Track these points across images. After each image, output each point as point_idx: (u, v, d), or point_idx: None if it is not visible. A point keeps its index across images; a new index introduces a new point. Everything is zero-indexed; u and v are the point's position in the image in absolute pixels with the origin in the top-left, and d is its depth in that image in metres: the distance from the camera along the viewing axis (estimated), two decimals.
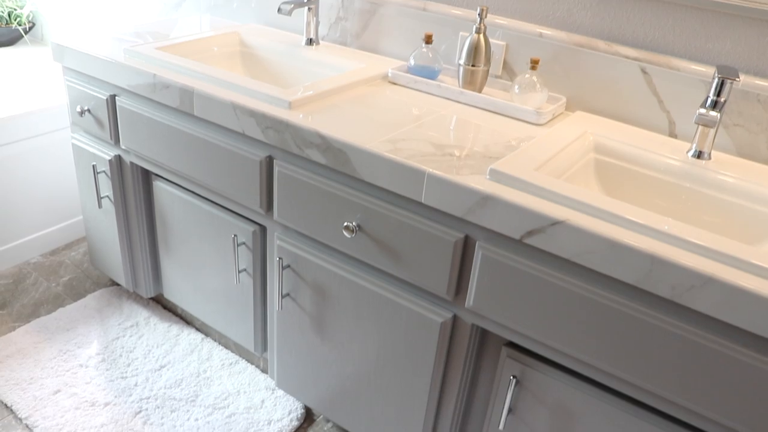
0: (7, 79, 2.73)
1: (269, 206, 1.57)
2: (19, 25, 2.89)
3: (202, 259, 1.84)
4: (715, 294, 0.99)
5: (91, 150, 1.97)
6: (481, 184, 1.19)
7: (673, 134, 1.51)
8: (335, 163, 1.35)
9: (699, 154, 1.38)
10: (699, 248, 1.04)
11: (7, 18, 2.88)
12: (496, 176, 1.21)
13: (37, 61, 2.80)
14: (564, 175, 1.33)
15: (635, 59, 1.50)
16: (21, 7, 2.92)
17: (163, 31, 2.06)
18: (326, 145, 1.35)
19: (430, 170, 1.23)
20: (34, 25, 2.96)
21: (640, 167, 1.40)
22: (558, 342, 1.19)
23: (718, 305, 0.99)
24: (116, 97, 1.80)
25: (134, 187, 1.92)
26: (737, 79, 1.29)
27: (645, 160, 1.40)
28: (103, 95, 1.83)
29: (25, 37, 2.95)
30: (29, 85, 2.70)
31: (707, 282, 1.00)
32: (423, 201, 1.26)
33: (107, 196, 1.99)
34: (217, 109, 1.53)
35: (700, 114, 1.32)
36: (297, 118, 1.42)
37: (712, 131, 1.36)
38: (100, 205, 2.01)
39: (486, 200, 1.18)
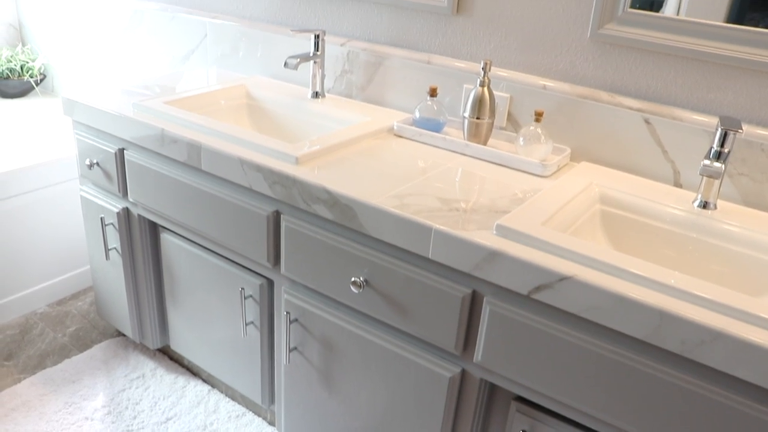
0: (18, 131, 2.77)
1: (276, 260, 1.57)
2: (31, 77, 2.93)
3: (210, 311, 1.84)
4: (725, 349, 0.99)
5: (100, 202, 1.98)
6: (488, 239, 1.20)
7: (678, 184, 1.52)
8: (342, 218, 1.36)
9: (705, 205, 1.38)
10: (707, 302, 1.04)
11: (20, 71, 2.93)
12: (503, 231, 1.21)
13: (47, 113, 2.84)
14: (570, 227, 1.34)
15: (638, 110, 1.52)
16: (33, 60, 2.97)
17: (172, 84, 2.09)
18: (333, 200, 1.36)
19: (437, 226, 1.23)
20: (45, 77, 3.01)
21: (647, 218, 1.41)
22: (567, 396, 1.18)
23: (729, 360, 0.99)
24: (125, 151, 1.82)
25: (142, 239, 1.93)
26: (740, 131, 1.30)
27: (651, 211, 1.40)
28: (112, 149, 1.85)
29: (37, 88, 3.00)
30: (39, 137, 2.73)
31: (717, 337, 0.99)
32: (430, 256, 1.26)
33: (115, 248, 2.00)
34: (224, 164, 1.55)
35: (705, 165, 1.33)
36: (304, 173, 1.43)
37: (717, 182, 1.37)
38: (107, 257, 2.02)
39: (493, 256, 1.18)
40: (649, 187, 1.48)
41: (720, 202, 1.42)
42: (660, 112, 1.50)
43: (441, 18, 1.77)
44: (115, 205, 1.94)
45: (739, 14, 1.39)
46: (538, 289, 1.15)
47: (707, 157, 1.34)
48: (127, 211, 1.92)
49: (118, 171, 1.87)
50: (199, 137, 1.61)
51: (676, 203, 1.40)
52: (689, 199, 1.43)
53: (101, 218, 1.96)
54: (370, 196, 1.33)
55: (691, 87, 1.47)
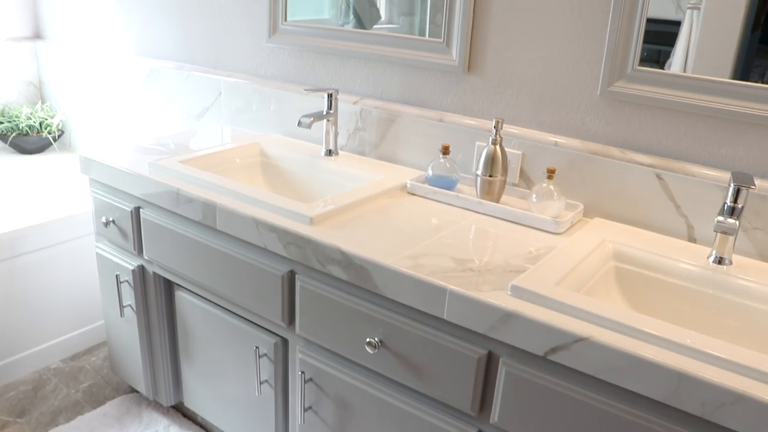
0: (35, 187, 2.81)
1: (291, 320, 1.57)
2: (49, 133, 2.99)
3: (224, 369, 1.84)
4: (748, 411, 0.97)
5: (115, 260, 2.00)
6: (503, 300, 1.20)
7: (692, 239, 1.51)
8: (357, 279, 1.37)
9: (720, 260, 1.38)
10: (726, 363, 1.03)
11: (38, 127, 2.99)
12: (518, 292, 1.21)
13: (64, 169, 2.89)
14: (585, 286, 1.33)
15: (650, 166, 1.52)
16: (52, 117, 3.03)
17: (187, 141, 2.12)
18: (347, 261, 1.37)
19: (452, 287, 1.24)
20: (63, 133, 3.06)
21: (662, 274, 1.40)
22: None
23: (752, 423, 0.97)
24: (140, 210, 1.85)
25: (156, 297, 1.94)
26: (753, 187, 1.30)
27: (666, 267, 1.40)
28: (128, 207, 1.87)
29: (54, 144, 3.05)
30: (56, 192, 2.77)
31: (738, 399, 0.98)
32: (445, 317, 1.26)
33: (130, 305, 2.01)
34: (239, 224, 1.56)
35: (718, 222, 1.33)
36: (318, 233, 1.44)
37: (732, 237, 1.36)
38: (122, 314, 2.03)
39: (508, 317, 1.18)
40: (663, 243, 1.48)
41: (735, 257, 1.41)
42: (672, 167, 1.50)
43: (452, 76, 1.80)
44: (130, 263, 1.95)
45: (744, 69, 1.40)
46: (554, 350, 1.14)
47: (721, 213, 1.34)
48: (142, 268, 1.94)
49: (133, 229, 1.89)
50: (214, 197, 1.63)
51: (690, 259, 1.40)
52: (704, 254, 1.42)
53: (116, 276, 1.98)
54: (385, 257, 1.34)
55: (702, 142, 1.48)
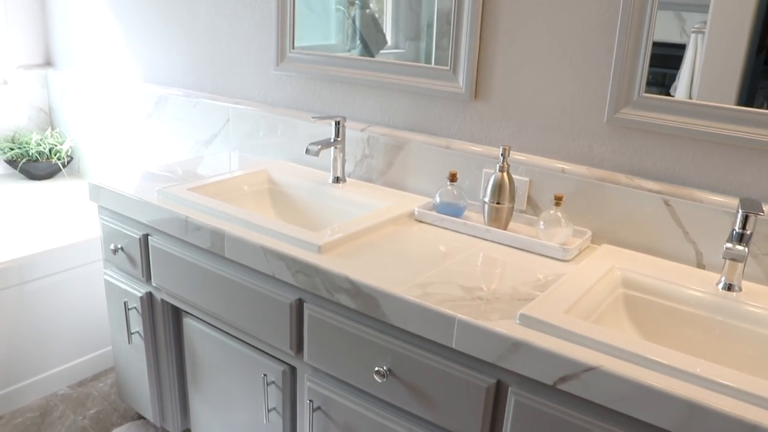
0: (44, 213, 2.83)
1: (299, 348, 1.57)
2: (59, 159, 3.01)
3: (231, 397, 1.83)
4: None
5: (123, 286, 2.00)
6: (512, 329, 1.19)
7: (701, 265, 1.51)
8: (365, 308, 1.37)
9: (729, 287, 1.37)
10: (738, 392, 1.02)
11: (48, 153, 3.01)
12: (526, 321, 1.21)
13: (73, 194, 2.91)
14: (594, 314, 1.33)
15: (657, 192, 1.52)
16: (61, 143, 3.05)
17: (195, 168, 2.14)
18: (356, 290, 1.37)
19: (460, 316, 1.23)
20: (72, 159, 3.09)
21: (671, 301, 1.40)
22: None
23: None
24: (149, 237, 1.85)
25: (164, 324, 1.94)
26: (761, 213, 1.30)
27: (675, 294, 1.39)
28: (137, 234, 1.88)
29: (63, 170, 3.07)
30: (65, 218, 2.79)
31: (752, 430, 0.97)
32: (454, 346, 1.25)
33: (137, 332, 2.01)
34: (247, 252, 1.56)
35: (727, 249, 1.33)
36: (326, 262, 1.44)
37: (741, 264, 1.36)
38: (130, 341, 2.03)
39: (517, 346, 1.17)
40: (672, 269, 1.47)
41: (745, 283, 1.41)
42: (679, 193, 1.50)
43: (459, 104, 1.81)
44: (138, 290, 1.96)
45: (750, 92, 1.41)
46: (563, 379, 1.13)
47: (729, 239, 1.34)
48: (150, 295, 1.94)
49: (142, 256, 1.89)
50: (222, 225, 1.63)
51: (699, 285, 1.39)
52: (713, 280, 1.42)
53: (124, 302, 1.98)
54: (393, 286, 1.34)
55: (709, 168, 1.48)
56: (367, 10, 2.04)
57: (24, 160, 2.97)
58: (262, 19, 2.20)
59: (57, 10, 3.03)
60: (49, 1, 3.06)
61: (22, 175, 3.05)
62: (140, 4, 2.60)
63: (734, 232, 1.33)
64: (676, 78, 1.49)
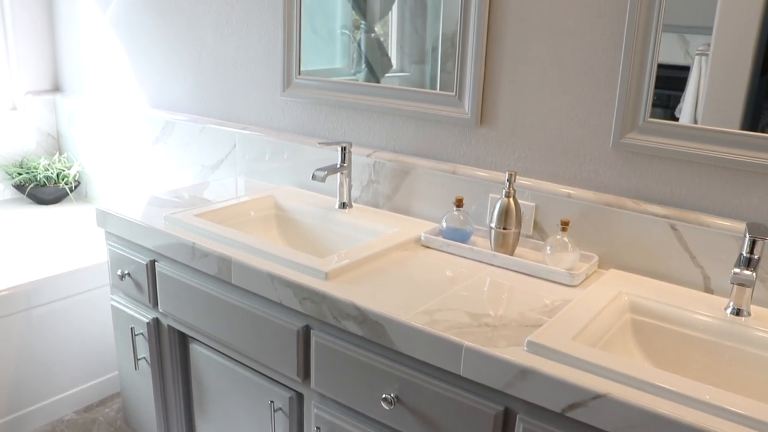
0: (51, 237, 2.84)
1: (306, 374, 1.57)
2: (66, 184, 3.03)
3: (238, 423, 1.83)
4: None
5: (130, 312, 2.01)
6: (519, 356, 1.19)
7: (708, 289, 1.50)
8: (372, 335, 1.36)
9: (738, 312, 1.37)
10: (747, 419, 1.02)
11: (56, 178, 3.03)
12: (534, 348, 1.21)
13: (80, 219, 2.92)
14: (602, 340, 1.32)
15: (664, 216, 1.52)
16: (69, 168, 3.07)
17: (202, 193, 2.15)
18: (363, 317, 1.37)
19: (468, 343, 1.23)
20: (79, 183, 3.10)
21: (679, 326, 1.39)
22: None
23: None
24: (156, 263, 1.86)
25: (171, 350, 1.94)
26: None
27: (683, 319, 1.39)
28: (144, 260, 1.89)
29: (71, 195, 3.09)
30: (72, 244, 2.79)
31: None
32: (461, 373, 1.25)
33: (144, 358, 2.01)
34: (254, 278, 1.57)
35: (735, 274, 1.32)
36: (333, 289, 1.44)
37: (749, 289, 1.35)
38: (136, 367, 2.03)
39: (525, 373, 1.17)
40: (680, 294, 1.47)
41: (753, 308, 1.40)
42: (686, 218, 1.50)
43: (465, 129, 1.81)
44: (145, 316, 1.96)
45: (755, 114, 1.41)
46: (571, 407, 1.13)
47: (737, 264, 1.33)
48: (157, 321, 1.94)
49: (149, 282, 1.90)
50: (229, 251, 1.64)
51: (708, 310, 1.39)
52: (721, 305, 1.41)
53: (131, 328, 1.98)
54: (400, 313, 1.34)
55: (715, 193, 1.48)
56: (372, 34, 2.06)
57: (32, 185, 2.99)
58: (269, 44, 2.22)
59: (65, 37, 3.07)
60: (58, 27, 3.10)
61: (29, 200, 3.07)
62: (148, 30, 2.63)
63: (742, 257, 1.33)
64: (681, 100, 1.49)
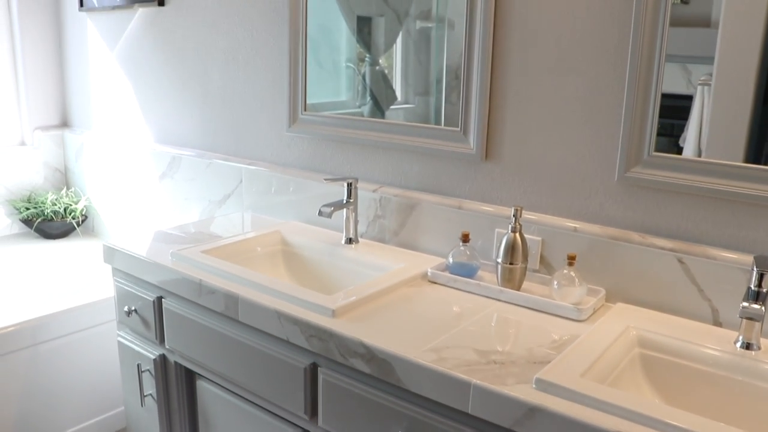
0: (58, 272, 2.85)
1: (314, 412, 1.56)
2: (73, 219, 3.04)
3: None
4: None
5: (137, 349, 2.00)
6: (528, 394, 1.18)
7: (717, 322, 1.50)
8: (380, 372, 1.36)
9: (747, 346, 1.36)
10: None
11: (63, 213, 3.05)
12: (542, 386, 1.20)
13: (87, 254, 2.93)
14: (611, 375, 1.31)
15: (671, 250, 1.52)
16: (76, 203, 3.09)
17: (209, 229, 2.16)
18: (370, 355, 1.37)
19: (476, 381, 1.22)
20: (86, 218, 3.12)
21: (688, 361, 1.38)
22: None
23: None
24: (163, 299, 1.86)
25: (177, 386, 1.93)
26: None
27: (692, 353, 1.38)
28: (150, 297, 1.89)
29: (78, 229, 3.10)
30: (78, 278, 2.80)
31: None
32: (470, 411, 1.24)
33: (150, 394, 2.00)
34: (261, 315, 1.57)
35: (744, 308, 1.32)
36: (340, 326, 1.44)
37: (758, 322, 1.35)
38: (143, 404, 2.02)
39: (533, 411, 1.16)
40: (688, 328, 1.46)
41: (763, 341, 1.39)
42: (693, 251, 1.50)
43: (470, 164, 1.82)
44: (152, 352, 1.96)
45: (758, 145, 1.42)
46: None
47: (745, 298, 1.33)
48: (163, 358, 1.94)
49: (155, 318, 1.90)
50: (236, 288, 1.64)
51: (717, 344, 1.38)
52: (730, 338, 1.40)
53: (138, 365, 1.98)
54: (407, 350, 1.33)
55: (721, 225, 1.48)
56: (377, 67, 2.08)
57: (39, 220, 3.01)
58: (275, 81, 2.25)
59: (74, 73, 3.11)
60: (67, 64, 3.14)
61: (36, 234, 3.08)
62: (155, 66, 2.66)
63: (750, 291, 1.33)
64: (685, 129, 1.50)
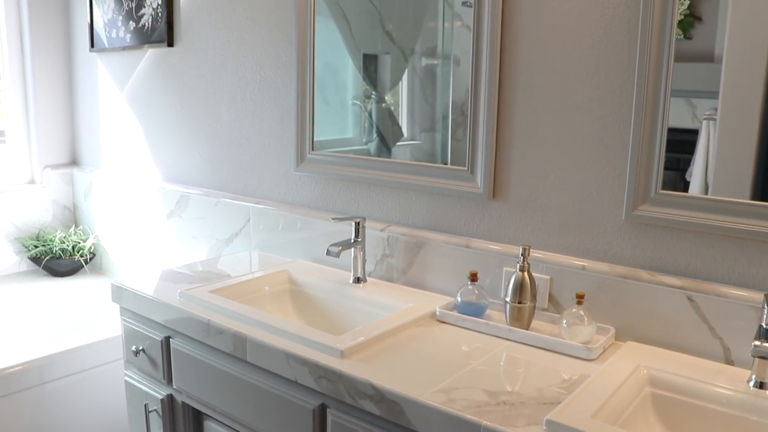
0: (65, 310, 2.85)
1: None
2: (81, 257, 3.06)
3: None
4: None
5: (144, 388, 2.00)
6: None
7: (729, 361, 1.48)
8: (389, 414, 1.35)
9: (761, 385, 1.34)
10: None
11: (71, 250, 3.06)
12: (553, 427, 1.19)
13: (94, 292, 2.93)
14: (622, 416, 1.30)
15: (680, 288, 1.52)
16: (84, 240, 3.10)
17: (217, 268, 2.16)
18: (380, 396, 1.36)
19: (486, 423, 1.21)
20: (94, 255, 3.13)
21: (701, 401, 1.37)
22: None
23: None
24: (171, 339, 1.86)
25: (185, 427, 1.91)
26: None
27: (705, 393, 1.36)
28: (158, 336, 1.89)
29: (85, 267, 3.11)
30: (85, 316, 2.80)
31: None
32: None
33: None
34: (269, 356, 1.56)
35: (755, 347, 1.31)
36: (349, 367, 1.43)
37: None
38: None
39: None
40: (699, 366, 1.45)
41: None
42: (703, 289, 1.49)
43: (478, 203, 1.83)
44: (159, 392, 1.95)
45: (764, 185, 1.42)
46: None
47: (757, 336, 1.32)
48: (171, 398, 1.93)
49: (163, 358, 1.89)
50: (244, 329, 1.64)
51: (729, 383, 1.37)
52: (743, 377, 1.39)
53: (145, 405, 1.97)
54: (417, 392, 1.33)
55: (730, 263, 1.48)
56: (383, 104, 2.10)
57: (47, 257, 3.02)
58: (282, 119, 2.27)
59: (84, 112, 3.15)
60: (77, 103, 3.18)
61: (45, 272, 3.09)
62: (164, 106, 2.70)
63: (762, 329, 1.32)
64: (691, 163, 1.50)
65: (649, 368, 1.43)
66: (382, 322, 1.64)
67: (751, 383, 1.35)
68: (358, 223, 1.92)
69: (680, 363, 1.46)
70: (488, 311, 1.73)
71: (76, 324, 2.80)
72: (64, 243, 3.06)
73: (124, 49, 2.80)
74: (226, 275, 2.08)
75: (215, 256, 2.45)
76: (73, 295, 2.94)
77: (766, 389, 1.34)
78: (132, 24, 2.73)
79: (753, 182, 1.43)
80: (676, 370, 1.42)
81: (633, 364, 1.44)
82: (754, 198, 1.43)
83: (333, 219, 1.91)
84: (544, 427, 1.20)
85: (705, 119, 1.48)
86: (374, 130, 2.13)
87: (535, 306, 1.63)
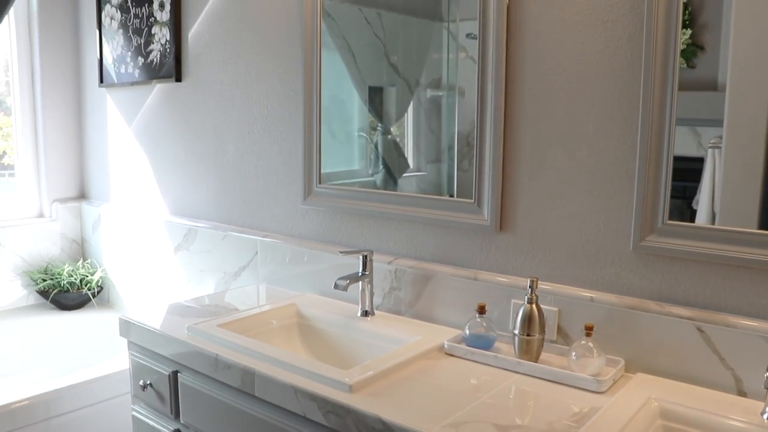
0: (72, 344, 2.85)
1: None
2: (89, 290, 3.06)
3: None
4: None
5: (152, 423, 1.98)
6: None
7: (741, 392, 1.47)
8: None
9: None
10: None
11: (79, 284, 3.07)
12: None
13: (102, 325, 2.93)
14: None
15: (689, 318, 1.51)
16: (92, 274, 3.11)
17: (225, 301, 2.16)
18: (389, 431, 1.35)
19: None
20: (102, 289, 3.14)
21: None
22: None
23: None
24: (178, 373, 1.85)
25: None
26: None
27: (717, 426, 1.35)
28: (166, 371, 1.88)
29: (93, 300, 3.11)
30: (92, 350, 2.80)
31: None
32: None
33: None
34: (278, 391, 1.56)
35: None
36: (358, 401, 1.43)
37: None
38: None
39: None
40: (711, 398, 1.43)
41: None
42: (712, 319, 1.48)
43: (485, 235, 1.83)
44: (167, 427, 1.94)
45: None
46: None
47: None
48: None
49: (171, 393, 1.89)
50: (252, 363, 1.63)
51: (743, 416, 1.35)
52: (756, 409, 1.37)
53: None
54: (426, 426, 1.32)
55: (740, 293, 1.47)
56: (389, 136, 2.11)
57: (55, 291, 3.03)
58: (290, 153, 2.29)
59: (93, 146, 3.18)
60: (86, 138, 3.22)
61: (52, 306, 3.09)
62: (171, 140, 2.72)
63: None
64: (697, 191, 1.50)
65: (660, 401, 1.42)
66: (391, 356, 1.64)
67: (765, 415, 1.34)
68: (366, 256, 1.92)
69: (691, 395, 1.45)
70: (497, 344, 1.73)
71: (84, 358, 2.79)
72: (71, 276, 3.07)
73: (132, 84, 2.84)
74: (233, 309, 2.08)
75: (223, 290, 2.45)
76: (80, 328, 2.93)
77: None
78: (141, 60, 2.77)
79: (760, 211, 1.43)
80: (688, 402, 1.41)
81: (644, 396, 1.43)
82: (761, 227, 1.43)
83: (341, 252, 1.92)
84: None
85: (710, 147, 1.49)
86: (380, 162, 2.14)
87: (543, 338, 1.62)
